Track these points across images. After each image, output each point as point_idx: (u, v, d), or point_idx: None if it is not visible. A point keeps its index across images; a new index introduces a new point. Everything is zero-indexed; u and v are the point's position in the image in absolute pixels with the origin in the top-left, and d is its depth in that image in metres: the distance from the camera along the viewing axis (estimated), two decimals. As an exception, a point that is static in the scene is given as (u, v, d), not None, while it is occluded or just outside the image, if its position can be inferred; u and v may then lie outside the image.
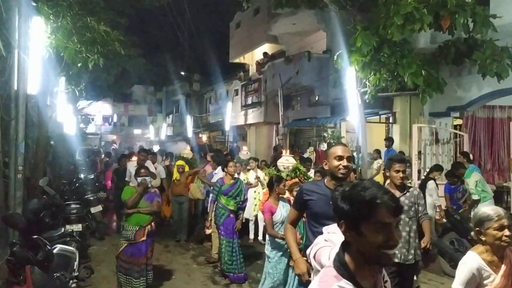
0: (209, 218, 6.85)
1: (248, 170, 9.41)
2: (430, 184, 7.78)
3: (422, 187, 7.71)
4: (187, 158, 9.53)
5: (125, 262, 5.44)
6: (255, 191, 8.97)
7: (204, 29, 27.50)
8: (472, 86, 10.09)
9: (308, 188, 3.28)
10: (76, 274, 4.01)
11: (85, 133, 29.33)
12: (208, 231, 7.12)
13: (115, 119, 44.17)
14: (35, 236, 3.37)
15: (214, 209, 6.81)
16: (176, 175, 9.11)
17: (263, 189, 8.72)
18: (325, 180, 3.25)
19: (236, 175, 7.21)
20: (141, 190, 5.56)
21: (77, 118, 21.81)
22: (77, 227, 6.87)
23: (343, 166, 3.10)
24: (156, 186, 8.49)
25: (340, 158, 3.10)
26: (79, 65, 7.94)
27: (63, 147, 15.90)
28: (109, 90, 26.02)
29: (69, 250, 4.05)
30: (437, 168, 8.17)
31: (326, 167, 3.22)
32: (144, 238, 5.50)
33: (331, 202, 2.70)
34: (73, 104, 17.89)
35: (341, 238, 1.85)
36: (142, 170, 5.74)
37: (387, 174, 4.51)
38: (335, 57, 9.60)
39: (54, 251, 3.96)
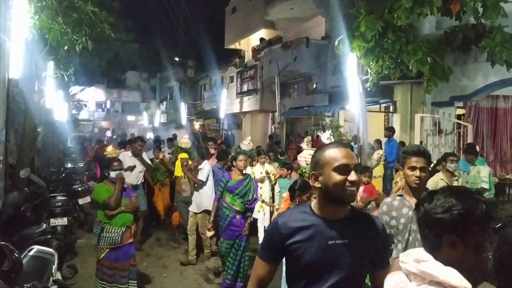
0: (211, 219, 5.94)
1: (252, 164, 8.52)
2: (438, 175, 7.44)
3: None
4: (186, 148, 8.61)
5: (108, 269, 4.84)
6: (260, 188, 7.88)
7: (199, 14, 26.83)
8: (477, 74, 9.71)
9: (288, 223, 2.00)
10: (55, 278, 3.62)
11: (77, 119, 28.83)
12: (209, 234, 6.15)
13: (108, 105, 43.53)
14: (1, 243, 2.97)
15: (217, 209, 5.90)
16: (179, 170, 7.97)
17: (270, 184, 8.01)
18: (312, 205, 2.06)
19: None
20: (120, 186, 4.96)
21: (69, 104, 21.32)
22: (62, 221, 6.46)
23: (352, 182, 1.92)
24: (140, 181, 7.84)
25: (347, 169, 1.93)
26: (65, 48, 7.42)
27: (52, 134, 15.41)
28: (102, 76, 25.56)
29: (48, 252, 3.65)
30: (448, 155, 7.81)
31: (316, 184, 2.00)
32: (131, 240, 5.00)
33: (331, 242, 1.91)
34: (64, 89, 17.40)
35: (441, 268, 1.36)
36: (116, 163, 5.11)
37: (401, 173, 3.32)
38: (336, 42, 9.13)
39: (31, 253, 3.57)
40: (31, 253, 3.57)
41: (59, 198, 6.72)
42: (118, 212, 4.88)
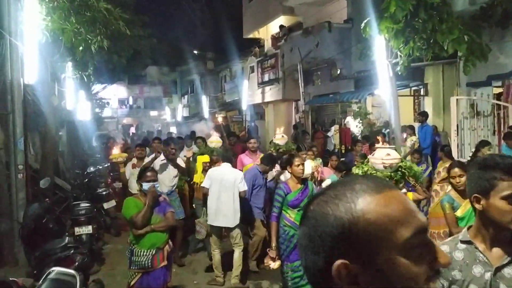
0: (272, 244, 4.67)
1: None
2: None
3: (470, 168, 6.84)
4: (216, 149, 7.37)
5: None
6: None
7: (216, 4, 26.41)
8: (517, 51, 9.02)
9: None
10: (78, 301, 3.35)
11: (100, 117, 28.99)
12: (275, 265, 4.75)
13: (130, 102, 43.79)
14: (10, 279, 2.69)
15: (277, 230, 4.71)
16: (199, 175, 6.90)
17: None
18: None
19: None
20: (151, 201, 4.23)
21: (91, 103, 21.37)
22: (87, 229, 6.22)
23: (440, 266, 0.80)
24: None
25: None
26: (80, 48, 7.17)
27: (76, 135, 15.38)
28: (122, 73, 25.55)
29: (69, 274, 3.36)
30: (484, 144, 7.26)
31: None
32: (165, 263, 4.27)
33: None
34: (86, 89, 17.40)
35: None
36: (149, 173, 4.39)
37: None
38: (362, 25, 8.60)
39: (50, 276, 3.29)
40: (51, 276, 3.30)
41: (82, 205, 6.48)
42: (146, 232, 4.19)
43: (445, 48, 7.42)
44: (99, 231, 7.24)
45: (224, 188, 5.72)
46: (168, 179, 6.84)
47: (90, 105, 19.96)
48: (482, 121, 9.56)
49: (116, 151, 7.76)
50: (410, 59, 8.48)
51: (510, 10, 7.99)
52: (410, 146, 10.01)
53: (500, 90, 10.27)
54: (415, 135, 10.25)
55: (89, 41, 7.10)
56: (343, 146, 11.66)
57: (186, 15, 27.92)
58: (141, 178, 4.37)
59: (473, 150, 7.73)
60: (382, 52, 8.75)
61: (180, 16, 28.56)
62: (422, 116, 10.41)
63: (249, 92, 20.73)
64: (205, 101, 26.07)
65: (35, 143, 11.36)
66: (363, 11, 10.61)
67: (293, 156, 4.94)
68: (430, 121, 10.67)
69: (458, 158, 9.34)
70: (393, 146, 4.74)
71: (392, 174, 4.07)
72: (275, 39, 19.24)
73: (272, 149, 7.54)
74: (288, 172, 4.92)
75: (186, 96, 35.63)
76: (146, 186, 4.29)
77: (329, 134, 13.33)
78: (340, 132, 12.11)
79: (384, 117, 12.14)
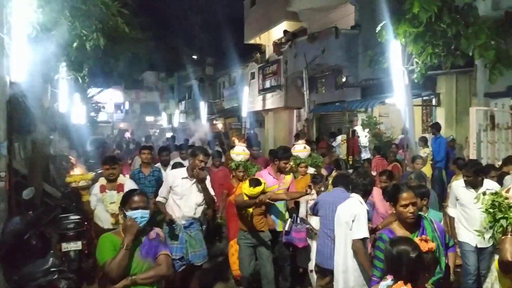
0: None
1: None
2: (508, 180, 6.34)
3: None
4: (242, 163, 5.96)
5: None
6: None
7: (217, 9, 25.96)
8: (540, 60, 8.50)
9: None
10: None
11: (96, 121, 28.34)
12: None
13: (127, 107, 43.28)
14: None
15: None
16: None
17: None
18: None
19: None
20: (130, 240, 2.89)
21: (87, 106, 20.78)
22: (76, 245, 5.58)
23: None
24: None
25: None
26: (74, 45, 6.57)
27: (68, 139, 14.70)
28: (119, 77, 25.11)
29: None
30: None
31: None
32: None
33: None
34: (81, 92, 16.82)
35: None
36: (136, 198, 3.04)
37: None
38: (378, 28, 8.09)
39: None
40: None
41: (71, 218, 5.83)
42: (124, 286, 2.86)
43: (470, 54, 6.91)
44: (90, 246, 6.56)
45: (337, 229, 4.08)
46: (188, 206, 4.93)
47: (85, 109, 19.34)
48: (503, 134, 8.99)
49: (76, 171, 5.39)
50: (427, 66, 7.99)
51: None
52: (424, 159, 9.48)
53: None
54: (427, 146, 9.70)
55: (84, 38, 6.50)
56: (350, 157, 11.07)
57: (186, 19, 27.41)
58: (125, 203, 3.06)
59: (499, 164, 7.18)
60: (397, 58, 8.25)
61: (180, 20, 28.04)
62: (435, 128, 9.88)
63: (250, 98, 20.21)
64: (203, 107, 25.54)
65: (26, 147, 10.70)
66: (371, 17, 10.14)
67: (398, 189, 3.17)
68: (441, 132, 10.14)
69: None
70: None
71: None
72: (277, 45, 18.74)
73: (291, 163, 6.08)
74: (391, 210, 3.26)
75: (183, 102, 35.14)
76: (129, 214, 3.00)
77: (335, 144, 12.71)
78: (347, 142, 11.51)
79: (395, 127, 11.62)
